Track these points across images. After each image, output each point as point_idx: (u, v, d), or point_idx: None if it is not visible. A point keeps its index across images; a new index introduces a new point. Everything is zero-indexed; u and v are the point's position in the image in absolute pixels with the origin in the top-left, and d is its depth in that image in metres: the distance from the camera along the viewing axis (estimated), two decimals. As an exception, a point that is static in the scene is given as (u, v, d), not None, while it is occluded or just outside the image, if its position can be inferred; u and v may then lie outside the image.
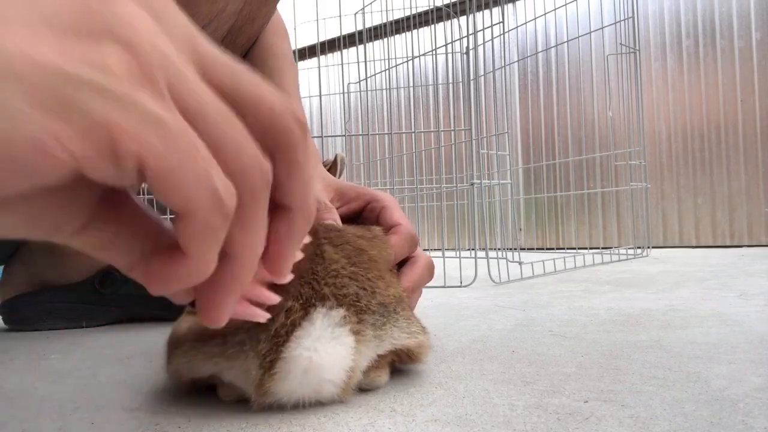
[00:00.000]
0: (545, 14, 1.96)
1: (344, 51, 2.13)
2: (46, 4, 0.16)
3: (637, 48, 1.63)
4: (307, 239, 0.25)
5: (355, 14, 1.70)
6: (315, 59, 2.26)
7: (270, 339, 0.32)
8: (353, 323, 0.34)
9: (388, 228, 0.46)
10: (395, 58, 1.73)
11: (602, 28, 1.85)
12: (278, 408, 0.34)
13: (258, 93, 0.20)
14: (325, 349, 0.32)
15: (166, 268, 0.19)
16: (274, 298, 0.24)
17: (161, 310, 0.74)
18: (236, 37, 0.59)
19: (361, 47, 1.64)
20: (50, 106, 0.15)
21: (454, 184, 1.30)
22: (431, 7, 2.03)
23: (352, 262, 0.36)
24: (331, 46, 2.36)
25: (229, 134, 0.19)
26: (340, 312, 0.33)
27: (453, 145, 1.36)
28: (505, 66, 1.47)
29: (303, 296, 0.33)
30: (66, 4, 0.16)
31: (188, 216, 0.18)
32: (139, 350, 0.56)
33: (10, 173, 0.15)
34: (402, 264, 0.45)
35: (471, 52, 1.12)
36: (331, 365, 0.32)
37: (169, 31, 0.18)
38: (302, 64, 2.43)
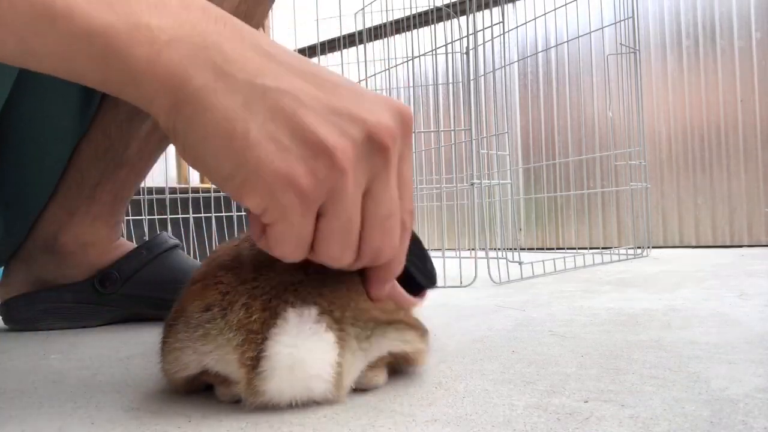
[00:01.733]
0: (545, 14, 1.96)
1: (344, 51, 2.13)
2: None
3: (637, 48, 1.63)
4: None
5: (355, 14, 1.70)
6: (315, 59, 2.25)
7: (241, 328, 0.32)
8: (334, 327, 0.34)
9: None
10: (395, 58, 1.72)
11: (602, 28, 1.85)
12: (278, 408, 0.34)
13: None
14: (305, 345, 0.32)
15: None
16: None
17: (161, 310, 0.73)
18: None
19: (360, 47, 1.63)
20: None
21: (454, 184, 1.30)
22: (431, 7, 2.03)
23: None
24: (330, 46, 2.35)
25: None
26: (314, 310, 0.33)
27: (453, 145, 1.36)
28: (505, 66, 1.47)
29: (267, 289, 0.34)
30: None
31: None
32: (139, 350, 0.56)
33: None
34: None
35: (471, 52, 1.12)
36: (315, 360, 0.32)
37: None
38: (302, 64, 2.41)
